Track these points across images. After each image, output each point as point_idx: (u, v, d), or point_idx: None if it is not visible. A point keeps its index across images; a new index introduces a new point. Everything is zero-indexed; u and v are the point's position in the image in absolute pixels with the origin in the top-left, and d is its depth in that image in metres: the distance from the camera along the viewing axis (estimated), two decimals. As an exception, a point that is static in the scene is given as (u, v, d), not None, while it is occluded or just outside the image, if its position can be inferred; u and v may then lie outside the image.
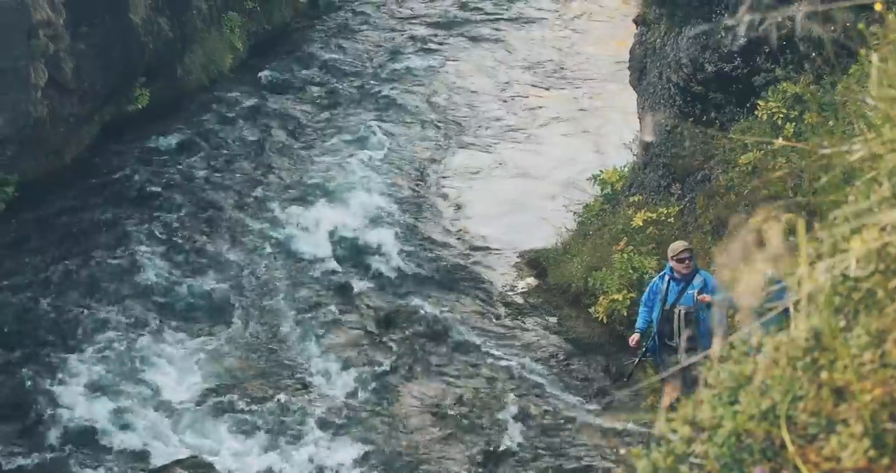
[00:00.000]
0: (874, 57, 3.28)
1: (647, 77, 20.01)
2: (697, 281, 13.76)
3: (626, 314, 16.73)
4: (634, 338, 14.38)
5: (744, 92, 17.22)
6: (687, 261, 13.74)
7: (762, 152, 15.76)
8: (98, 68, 22.60)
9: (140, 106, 24.31)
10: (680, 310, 13.80)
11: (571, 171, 23.05)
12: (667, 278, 13.95)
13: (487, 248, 20.85)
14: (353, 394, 16.72)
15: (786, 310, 3.19)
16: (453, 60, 29.31)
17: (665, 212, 17.95)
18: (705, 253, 16.00)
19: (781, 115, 15.89)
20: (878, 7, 3.92)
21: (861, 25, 4.19)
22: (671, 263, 13.92)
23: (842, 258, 2.95)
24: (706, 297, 13.48)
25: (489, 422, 16.03)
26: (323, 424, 16.04)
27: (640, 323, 14.38)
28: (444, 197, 22.81)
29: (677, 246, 14.03)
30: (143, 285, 19.12)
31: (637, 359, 14.55)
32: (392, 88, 27.43)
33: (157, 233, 20.57)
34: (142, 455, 15.51)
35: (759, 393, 2.84)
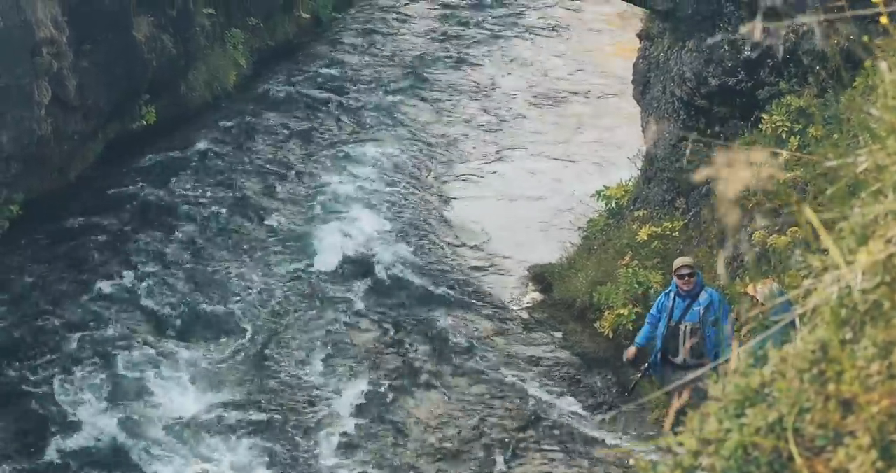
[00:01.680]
0: (884, 66, 3.28)
1: (650, 91, 20.02)
2: (703, 297, 13.74)
3: (631, 328, 16.71)
4: (630, 352, 14.40)
5: (748, 105, 17.23)
6: (687, 278, 13.75)
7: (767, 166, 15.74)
8: (102, 86, 22.61)
9: (147, 123, 24.33)
10: (686, 327, 13.80)
11: (577, 186, 23.04)
12: (672, 294, 13.96)
13: (493, 263, 20.85)
14: (358, 409, 16.70)
15: (792, 323, 3.18)
16: (459, 75, 29.35)
17: (670, 226, 17.96)
18: (710, 267, 15.99)
19: (786, 129, 15.91)
20: (883, 20, 3.92)
21: (865, 38, 4.20)
22: (674, 279, 13.95)
23: (848, 270, 2.94)
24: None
25: (495, 437, 16.00)
26: (329, 439, 16.03)
27: (639, 338, 14.41)
28: (450, 212, 22.82)
29: (678, 262, 14.07)
30: (149, 301, 19.12)
31: (640, 374, 14.54)
32: (398, 103, 27.48)
33: (162, 250, 20.59)
34: (147, 471, 15.49)
35: (766, 406, 2.83)
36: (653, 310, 14.32)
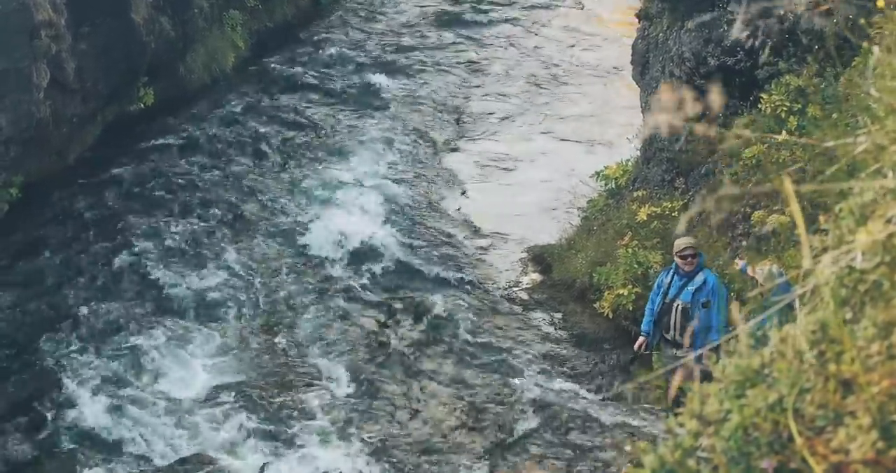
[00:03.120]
0: (875, 50, 3.28)
1: (649, 71, 19.99)
2: (699, 278, 13.79)
3: (631, 308, 16.74)
4: (639, 343, 14.45)
5: (747, 85, 17.21)
6: (689, 259, 13.79)
7: (766, 145, 15.77)
8: (100, 68, 22.59)
9: (145, 105, 24.31)
10: (678, 305, 13.87)
11: (576, 167, 23.01)
12: (672, 272, 14.04)
13: (492, 244, 20.84)
14: (358, 391, 16.72)
15: (791, 304, 3.18)
16: (458, 55, 29.27)
17: (669, 206, 17.95)
18: (710, 247, 16.00)
19: (785, 109, 15.90)
20: (880, 4, 3.92)
21: (863, 20, 4.20)
22: (675, 259, 14.00)
23: (847, 250, 2.95)
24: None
25: (495, 418, 16.03)
26: (328, 421, 16.04)
27: (644, 325, 14.42)
28: (449, 193, 22.80)
29: (680, 243, 14.09)
30: (147, 284, 19.13)
31: (638, 348, 14.64)
32: (396, 84, 27.41)
33: (160, 232, 20.58)
34: (145, 454, 15.52)
35: (766, 386, 2.83)
36: (654, 288, 14.40)
